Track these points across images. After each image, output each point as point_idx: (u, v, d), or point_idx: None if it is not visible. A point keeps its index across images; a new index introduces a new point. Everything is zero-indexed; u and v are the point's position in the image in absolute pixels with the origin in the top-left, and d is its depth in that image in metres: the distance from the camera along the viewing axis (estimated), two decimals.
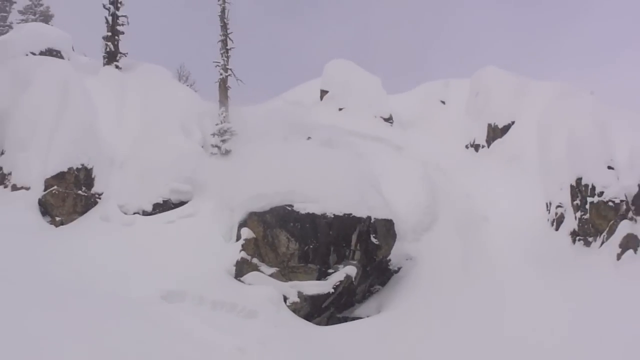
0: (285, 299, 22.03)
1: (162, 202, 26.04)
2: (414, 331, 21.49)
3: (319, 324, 22.31)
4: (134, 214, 25.60)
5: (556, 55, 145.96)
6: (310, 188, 23.73)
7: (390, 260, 25.64)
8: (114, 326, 15.43)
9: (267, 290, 21.65)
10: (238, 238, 23.49)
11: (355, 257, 23.83)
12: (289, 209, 23.23)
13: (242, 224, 23.62)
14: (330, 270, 23.32)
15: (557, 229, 28.34)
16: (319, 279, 23.01)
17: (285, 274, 22.84)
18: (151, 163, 26.67)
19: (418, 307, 22.98)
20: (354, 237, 23.71)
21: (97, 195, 26.07)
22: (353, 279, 23.33)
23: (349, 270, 23.38)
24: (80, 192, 25.63)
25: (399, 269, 26.01)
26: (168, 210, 26.02)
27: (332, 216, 23.32)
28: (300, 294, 22.36)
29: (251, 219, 23.48)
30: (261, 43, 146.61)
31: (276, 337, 19.42)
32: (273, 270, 22.84)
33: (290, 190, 23.61)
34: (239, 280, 22.41)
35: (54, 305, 15.24)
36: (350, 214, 23.70)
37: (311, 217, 23.19)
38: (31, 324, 13.06)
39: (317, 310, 22.62)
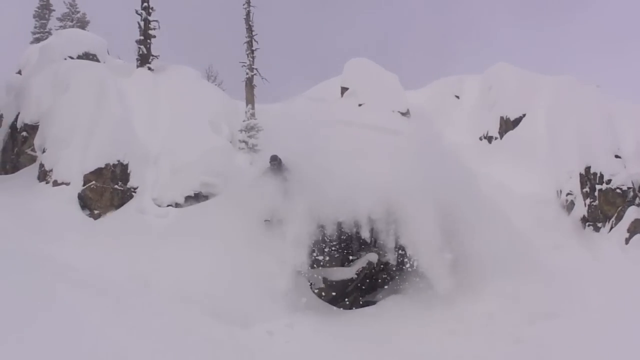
0: (311, 284, 21.95)
1: (193, 194, 26.14)
2: (423, 311, 21.28)
3: (342, 308, 22.23)
4: (168, 206, 25.72)
5: (563, 51, 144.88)
6: None
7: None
8: (153, 313, 15.41)
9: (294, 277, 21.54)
10: None
11: (376, 244, 23.63)
12: None
13: None
14: (353, 257, 23.21)
15: (567, 215, 28.33)
16: (342, 265, 22.92)
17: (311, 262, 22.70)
18: (182, 158, 26.75)
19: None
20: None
21: (132, 189, 26.15)
22: (374, 265, 23.20)
23: (371, 257, 23.26)
24: (116, 186, 25.73)
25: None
26: (199, 202, 26.10)
27: None
28: (325, 280, 22.30)
29: None
30: (284, 43, 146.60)
31: (302, 320, 19.39)
32: None
33: None
34: None
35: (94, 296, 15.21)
36: None
37: None
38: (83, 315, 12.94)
39: (341, 295, 22.51)
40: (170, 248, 21.36)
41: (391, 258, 22.51)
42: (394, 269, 23.41)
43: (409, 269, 22.40)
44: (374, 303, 22.94)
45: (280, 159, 23.71)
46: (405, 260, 22.38)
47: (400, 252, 22.55)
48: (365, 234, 22.39)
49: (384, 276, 23.90)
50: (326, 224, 22.27)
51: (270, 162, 23.82)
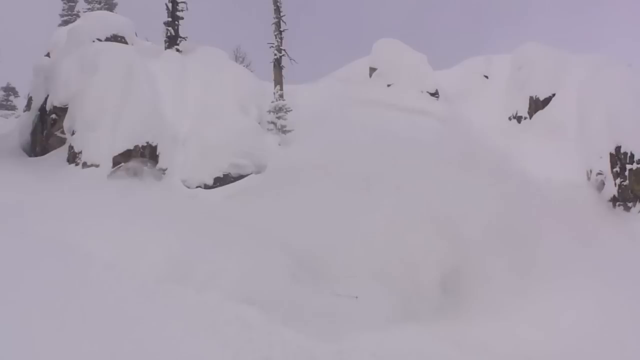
0: None
1: (222, 176, 26.25)
2: None
3: None
4: (197, 187, 25.90)
5: (596, 29, 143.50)
6: None
7: None
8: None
9: None
10: None
11: None
12: None
13: None
14: None
15: (597, 195, 28.18)
16: None
17: None
18: (211, 139, 26.80)
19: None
20: None
21: (161, 171, 26.19)
22: None
23: None
24: (146, 168, 25.76)
25: None
26: (228, 183, 26.16)
27: None
28: None
29: None
30: (313, 24, 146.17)
31: None
32: None
33: None
34: None
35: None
36: None
37: None
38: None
39: None
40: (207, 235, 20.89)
41: None
42: None
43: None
44: None
45: None
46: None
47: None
48: None
49: None
50: None
51: None
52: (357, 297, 18.78)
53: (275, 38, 33.90)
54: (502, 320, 18.63)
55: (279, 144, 28.93)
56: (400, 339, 16.53)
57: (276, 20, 34.02)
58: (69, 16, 54.71)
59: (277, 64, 33.52)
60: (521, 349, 16.95)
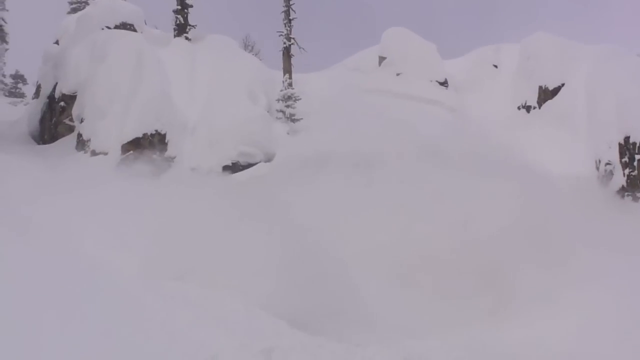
0: None
1: (231, 164, 26.16)
2: None
3: None
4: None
5: (607, 20, 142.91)
6: None
7: None
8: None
9: None
10: None
11: None
12: None
13: None
14: None
15: (606, 185, 28.08)
16: None
17: None
18: (220, 127, 26.74)
19: None
20: None
21: (170, 159, 26.13)
22: None
23: None
24: (154, 156, 25.70)
25: None
26: (237, 172, 26.10)
27: None
28: None
29: None
30: (322, 12, 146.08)
31: None
32: None
33: None
34: None
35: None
36: None
37: None
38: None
39: None
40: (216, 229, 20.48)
41: None
42: None
43: None
44: None
45: None
46: None
47: None
48: None
49: None
50: None
51: None
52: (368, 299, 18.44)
53: (285, 26, 33.86)
54: (533, 329, 18.28)
55: (288, 133, 28.90)
56: (415, 341, 16.36)
57: (285, 8, 33.96)
58: (78, 3, 54.45)
59: (287, 53, 33.48)
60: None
